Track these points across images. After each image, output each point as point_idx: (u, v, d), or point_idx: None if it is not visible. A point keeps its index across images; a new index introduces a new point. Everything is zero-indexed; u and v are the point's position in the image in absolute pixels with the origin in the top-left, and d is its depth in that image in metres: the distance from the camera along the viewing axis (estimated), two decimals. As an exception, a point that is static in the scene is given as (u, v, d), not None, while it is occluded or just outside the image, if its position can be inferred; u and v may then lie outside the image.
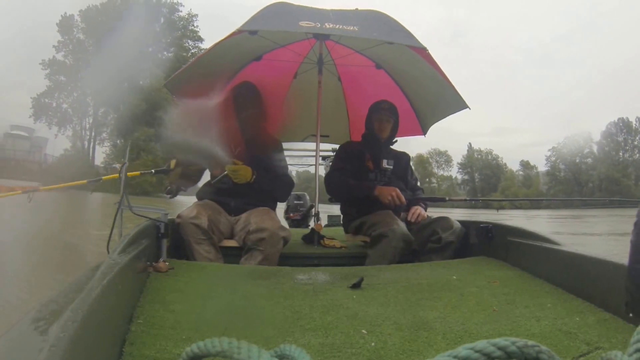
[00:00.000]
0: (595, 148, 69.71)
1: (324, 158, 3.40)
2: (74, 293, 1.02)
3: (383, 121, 2.96)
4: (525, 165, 75.61)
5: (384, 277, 1.88)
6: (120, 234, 2.12)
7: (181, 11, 52.97)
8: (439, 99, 3.19)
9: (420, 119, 3.59)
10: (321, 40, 3.09)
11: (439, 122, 3.50)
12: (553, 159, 71.51)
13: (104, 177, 3.13)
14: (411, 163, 3.20)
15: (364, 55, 3.36)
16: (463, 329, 1.21)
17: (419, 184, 3.22)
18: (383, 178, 2.95)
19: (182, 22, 53.36)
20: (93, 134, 51.89)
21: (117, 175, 2.26)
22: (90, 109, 51.11)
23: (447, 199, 3.34)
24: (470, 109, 3.00)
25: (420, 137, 3.72)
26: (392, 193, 2.70)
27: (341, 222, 3.30)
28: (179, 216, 2.38)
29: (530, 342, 0.53)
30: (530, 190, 68.82)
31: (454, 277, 1.84)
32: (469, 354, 0.52)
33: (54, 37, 49.60)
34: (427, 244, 2.65)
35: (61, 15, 49.39)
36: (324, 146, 3.47)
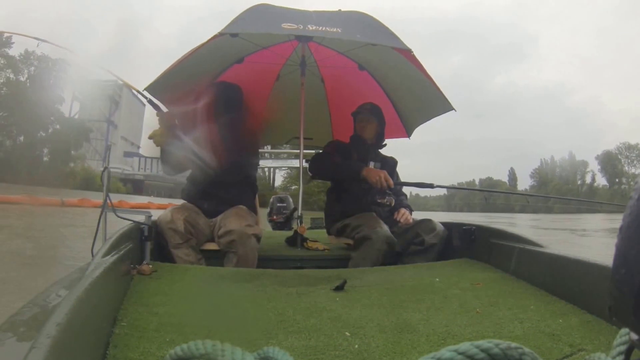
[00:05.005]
0: None
1: (307, 161, 3.38)
2: (58, 295, 1.00)
3: (363, 121, 2.98)
4: None
5: (367, 279, 1.88)
6: (104, 237, 2.10)
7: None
8: (423, 100, 3.19)
9: (403, 120, 3.59)
10: (304, 42, 3.07)
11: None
12: None
13: None
14: (397, 169, 3.20)
15: (347, 56, 3.34)
16: (446, 331, 1.22)
17: (403, 189, 3.22)
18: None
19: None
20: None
21: None
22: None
23: (434, 185, 3.32)
24: (455, 110, 3.00)
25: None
26: (381, 174, 2.66)
27: (324, 224, 3.28)
28: (158, 220, 2.36)
29: (513, 344, 0.54)
30: None
31: (437, 280, 1.84)
32: (452, 356, 0.53)
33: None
34: (410, 246, 2.66)
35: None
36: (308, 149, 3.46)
